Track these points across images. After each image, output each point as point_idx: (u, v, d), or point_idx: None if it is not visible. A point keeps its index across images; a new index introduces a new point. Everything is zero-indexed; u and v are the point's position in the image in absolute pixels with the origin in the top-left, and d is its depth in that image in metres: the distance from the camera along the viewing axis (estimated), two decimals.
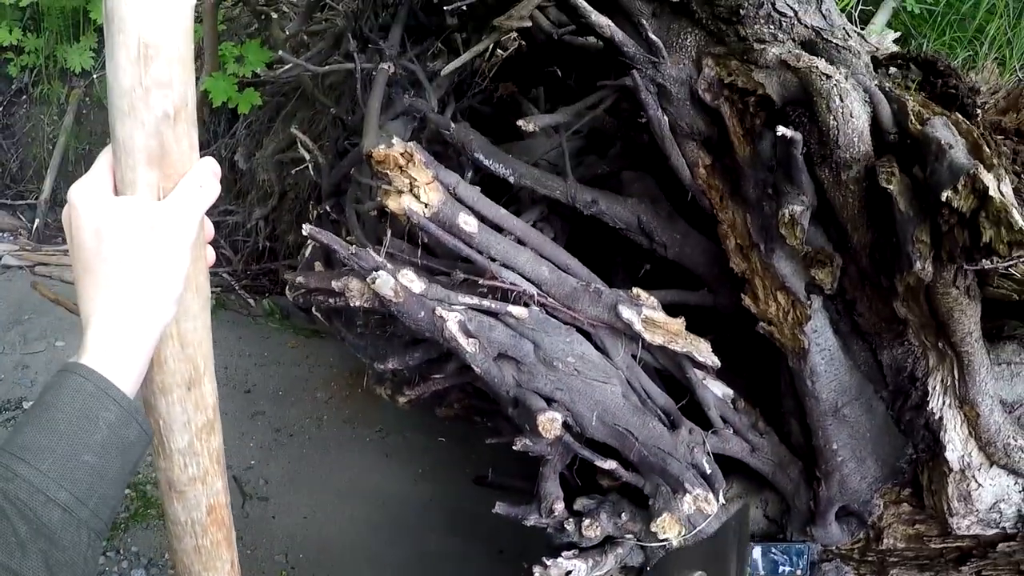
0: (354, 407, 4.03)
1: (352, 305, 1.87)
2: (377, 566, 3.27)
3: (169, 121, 0.84)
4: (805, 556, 2.28)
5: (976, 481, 1.94)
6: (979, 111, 1.79)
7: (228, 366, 4.28)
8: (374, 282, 1.73)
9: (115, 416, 0.83)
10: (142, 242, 0.85)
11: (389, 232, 2.08)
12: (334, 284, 1.89)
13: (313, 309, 2.64)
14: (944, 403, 1.90)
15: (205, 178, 0.90)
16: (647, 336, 1.91)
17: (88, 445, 0.81)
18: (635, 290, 1.95)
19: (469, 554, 3.34)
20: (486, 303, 1.83)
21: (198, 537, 1.12)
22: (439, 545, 3.39)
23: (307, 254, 2.70)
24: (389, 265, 1.79)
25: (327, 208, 2.90)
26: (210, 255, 1.01)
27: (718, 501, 1.98)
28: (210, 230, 0.99)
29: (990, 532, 2.04)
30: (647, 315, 1.90)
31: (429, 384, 2.22)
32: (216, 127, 5.42)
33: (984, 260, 1.51)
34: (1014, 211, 1.44)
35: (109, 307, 0.85)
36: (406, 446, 3.84)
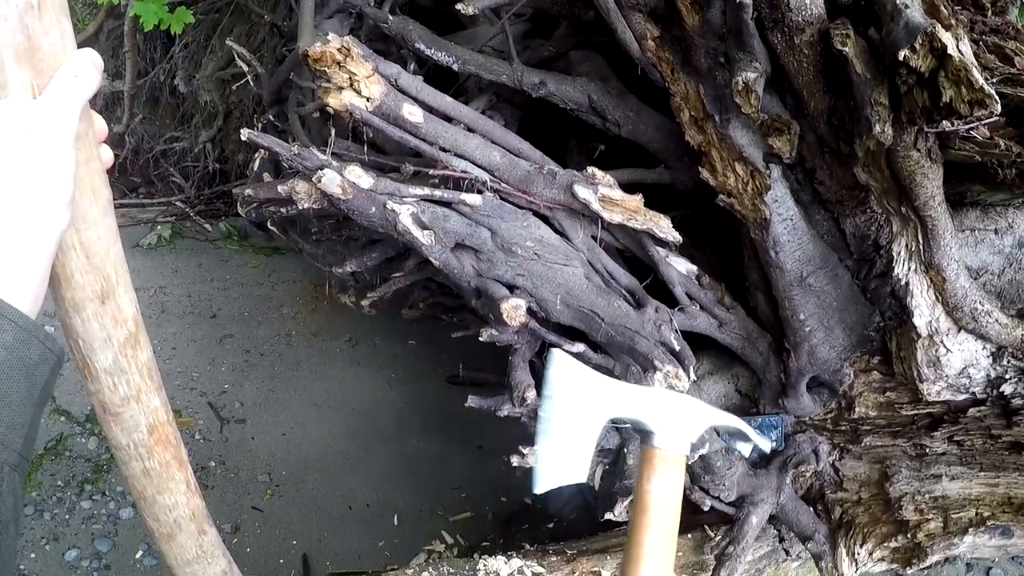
0: (321, 320, 4.02)
1: (301, 208, 1.81)
2: (359, 473, 3.31)
3: (34, 11, 0.77)
4: (779, 428, 2.31)
5: (944, 346, 1.95)
6: None
7: (191, 294, 4.22)
8: (320, 181, 1.68)
9: (12, 337, 0.76)
10: (19, 146, 0.78)
11: (333, 132, 2.02)
12: (280, 189, 1.83)
13: (268, 223, 2.58)
14: (910, 268, 1.89)
15: (81, 68, 0.83)
16: (605, 215, 1.87)
17: None
18: (590, 169, 1.91)
19: (448, 453, 3.38)
20: (438, 193, 1.78)
21: (144, 459, 1.07)
22: (418, 447, 3.43)
23: (255, 167, 2.63)
24: (335, 163, 1.72)
25: (270, 117, 2.81)
26: (107, 155, 0.94)
27: (689, 377, 1.98)
28: (102, 127, 0.92)
29: (960, 398, 2.07)
30: (604, 193, 1.86)
31: (391, 284, 2.18)
32: (152, 53, 5.23)
33: (945, 121, 1.48)
34: (974, 70, 1.41)
35: None
36: (376, 353, 3.85)
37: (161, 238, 4.74)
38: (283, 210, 2.10)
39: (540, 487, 1.01)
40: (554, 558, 2.08)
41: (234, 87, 4.19)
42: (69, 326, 0.93)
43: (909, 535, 2.02)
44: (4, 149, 0.78)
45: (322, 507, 3.16)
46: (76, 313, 0.92)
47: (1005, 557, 3.23)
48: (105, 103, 5.68)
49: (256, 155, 2.64)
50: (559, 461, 1.02)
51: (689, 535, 2.29)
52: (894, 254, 1.91)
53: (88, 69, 0.84)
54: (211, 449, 3.38)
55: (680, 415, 1.06)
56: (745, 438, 1.15)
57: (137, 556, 2.89)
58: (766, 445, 1.18)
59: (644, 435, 1.05)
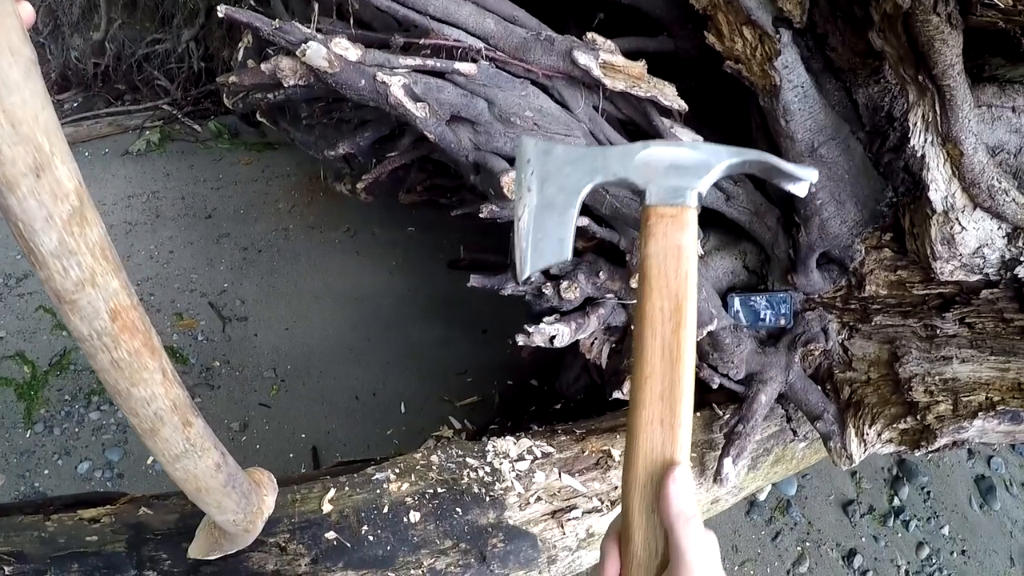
0: (318, 212, 3.97)
1: (287, 88, 1.72)
2: (363, 363, 3.31)
3: None
4: (787, 304, 2.27)
5: (959, 224, 1.89)
6: None
7: (185, 196, 4.16)
8: (304, 54, 1.59)
9: None
10: None
11: (316, 6, 1.91)
12: (264, 68, 1.74)
13: (257, 114, 2.50)
14: (926, 140, 1.82)
15: None
16: (607, 82, 1.78)
17: None
18: (590, 35, 1.81)
19: (452, 338, 3.38)
20: (431, 63, 1.69)
21: (110, 350, 0.98)
22: (422, 334, 3.43)
23: (239, 56, 2.52)
24: (319, 36, 1.63)
25: (251, 2, 2.69)
26: (26, 11, 0.83)
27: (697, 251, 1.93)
28: None
29: (973, 278, 2.02)
30: (605, 59, 1.77)
31: (385, 164, 2.11)
32: None
33: None
34: None
35: None
36: (376, 242, 3.81)
37: (150, 143, 4.65)
38: (270, 95, 2.01)
39: (523, 272, 0.94)
40: (563, 438, 2.07)
41: None
42: (6, 208, 0.84)
43: (918, 416, 2.00)
44: None
45: (328, 399, 3.17)
46: (10, 192, 0.82)
47: (1007, 445, 3.27)
48: (81, 11, 5.50)
49: (239, 45, 2.53)
50: (539, 241, 0.93)
51: (698, 413, 2.28)
52: (909, 125, 1.83)
53: None
54: (215, 349, 3.38)
55: (678, 163, 0.94)
56: (781, 174, 0.99)
57: (148, 462, 2.93)
58: (812, 175, 1.01)
59: (639, 195, 0.94)
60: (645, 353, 0.88)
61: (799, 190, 0.99)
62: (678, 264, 0.89)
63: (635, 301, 1.09)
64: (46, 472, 2.94)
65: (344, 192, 2.47)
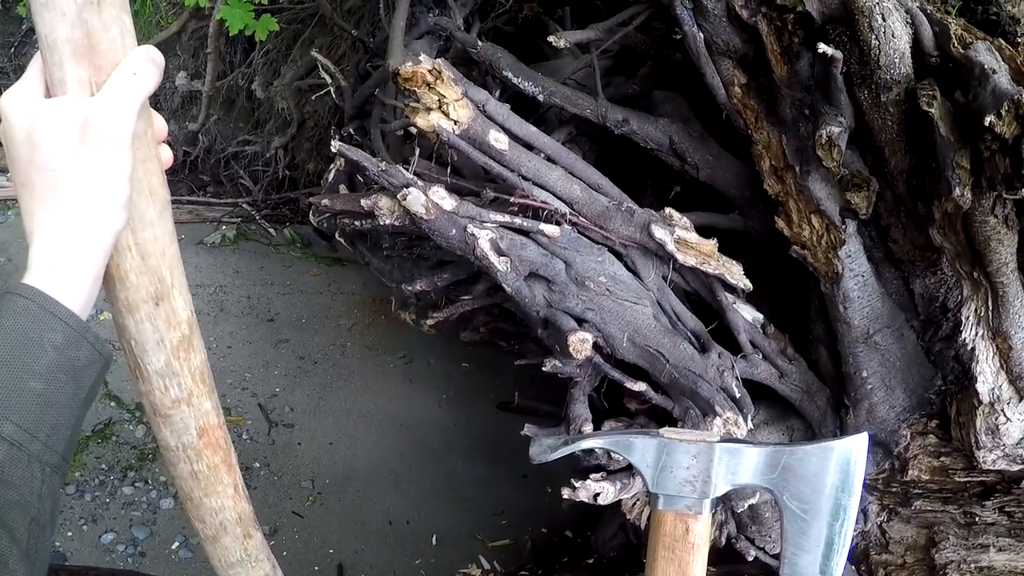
0: (377, 334, 4.05)
1: (382, 224, 1.84)
2: (402, 490, 3.32)
3: (93, 6, 0.75)
4: None
5: (1005, 415, 1.91)
6: (1019, 41, 1.74)
7: (251, 295, 4.29)
8: (405, 199, 1.70)
9: (62, 337, 0.76)
10: (75, 144, 0.77)
11: (417, 152, 2.05)
12: (363, 203, 1.86)
13: (337, 234, 2.62)
14: (977, 334, 1.86)
15: (140, 65, 0.80)
16: (679, 257, 1.87)
17: (33, 371, 0.73)
18: (667, 210, 1.91)
19: (493, 478, 3.38)
20: (518, 221, 1.80)
21: (192, 462, 1.05)
22: (463, 470, 3.43)
23: (330, 178, 2.67)
24: (420, 182, 1.75)
25: (350, 131, 2.87)
26: (166, 155, 0.92)
27: (747, 425, 1.96)
28: (161, 127, 0.90)
29: (1015, 468, 2.02)
30: (680, 235, 1.87)
31: (457, 306, 2.20)
32: (232, 56, 5.37)
33: None
34: None
35: (50, 220, 0.77)
36: (430, 372, 3.87)
37: (225, 238, 4.83)
38: (358, 223, 2.13)
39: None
40: None
41: (312, 97, 4.26)
42: (122, 326, 0.92)
43: None
44: (61, 148, 0.77)
45: (362, 519, 3.17)
46: (130, 314, 0.91)
47: None
48: (182, 101, 5.84)
49: (332, 166, 2.68)
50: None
51: None
52: (962, 318, 1.88)
53: (147, 67, 0.81)
54: (257, 450, 3.42)
55: (691, 465, 0.98)
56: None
57: (173, 547, 2.92)
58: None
59: (651, 497, 0.99)
60: None
61: None
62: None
63: None
64: (69, 534, 2.95)
65: (407, 320, 2.55)
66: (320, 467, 3.37)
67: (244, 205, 5.28)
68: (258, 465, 3.36)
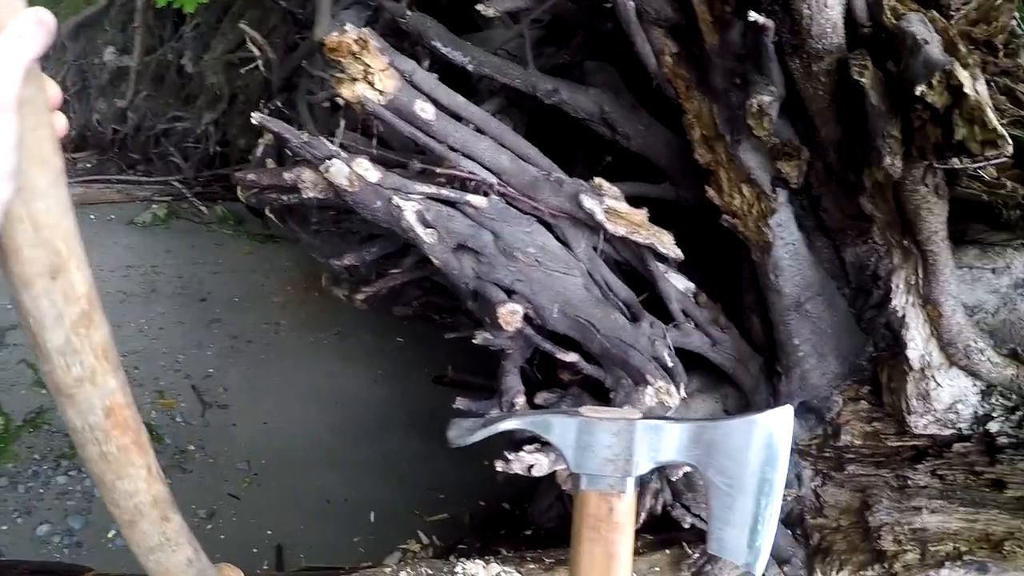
0: (311, 311, 4.01)
1: (305, 198, 1.80)
2: (339, 468, 3.29)
3: None
4: None
5: (935, 381, 1.95)
6: (952, 13, 1.75)
7: (183, 275, 4.21)
8: (328, 171, 1.67)
9: None
10: None
11: (343, 123, 2.01)
12: (286, 176, 1.82)
13: (266, 210, 2.56)
14: (907, 301, 1.89)
15: (26, 28, 0.76)
16: (609, 227, 1.87)
17: None
18: (597, 180, 1.90)
19: (429, 453, 3.36)
20: (444, 192, 1.77)
21: (101, 443, 1.01)
22: (400, 446, 3.42)
23: (259, 153, 2.62)
24: (343, 154, 1.72)
25: (278, 104, 2.81)
26: (61, 123, 0.87)
27: (679, 394, 1.97)
28: (55, 92, 0.85)
29: (946, 432, 2.06)
30: (610, 205, 1.86)
31: (387, 280, 2.17)
32: (161, 31, 5.24)
33: (955, 159, 1.48)
34: (989, 111, 1.41)
35: None
36: (364, 349, 3.85)
37: (156, 217, 4.73)
38: (285, 198, 2.08)
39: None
40: (532, 566, 2.06)
41: (241, 71, 4.17)
42: (19, 303, 0.88)
43: (886, 565, 2.01)
44: None
45: (299, 499, 3.13)
46: (25, 289, 0.86)
47: None
48: (111, 77, 5.66)
49: (260, 141, 2.63)
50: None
51: (667, 551, 2.27)
52: (893, 286, 1.91)
53: (33, 28, 0.77)
54: (191, 432, 3.36)
55: (612, 443, 0.97)
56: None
57: (109, 535, 2.85)
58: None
59: (573, 477, 0.98)
60: None
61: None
62: (611, 572, 0.94)
63: None
64: (4, 528, 2.86)
65: (340, 296, 2.52)
66: (256, 448, 3.32)
67: (175, 183, 5.17)
68: (193, 448, 3.29)
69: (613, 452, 0.97)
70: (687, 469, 2.08)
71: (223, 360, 3.72)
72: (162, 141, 5.47)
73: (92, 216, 4.63)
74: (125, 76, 5.40)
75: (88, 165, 5.72)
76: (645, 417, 1.03)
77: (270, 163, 2.33)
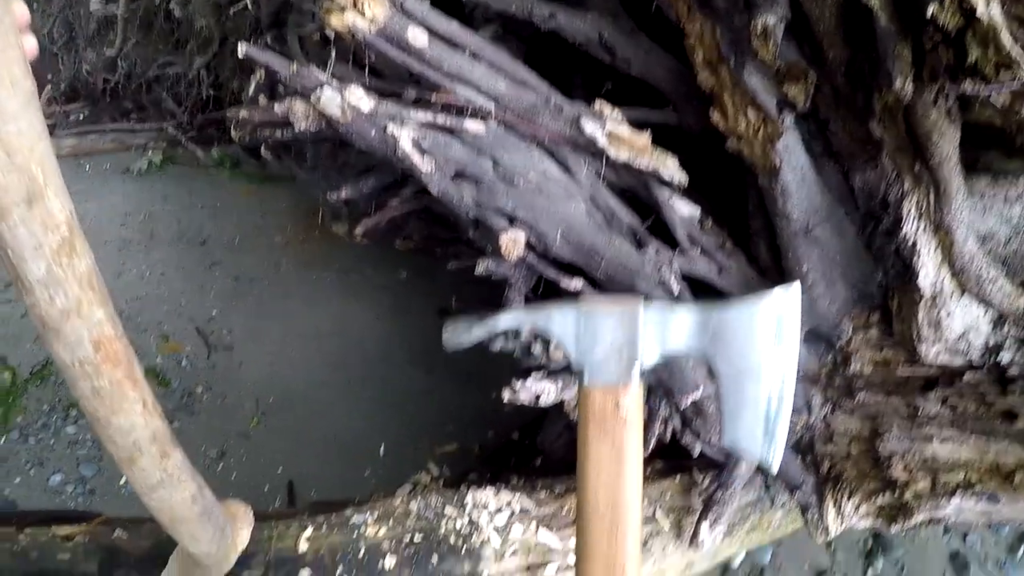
0: (312, 250, 4.00)
1: (297, 131, 1.76)
2: (346, 404, 3.31)
3: None
4: None
5: (947, 309, 1.92)
6: None
7: (181, 220, 4.19)
8: (319, 101, 1.63)
9: None
10: None
11: (333, 54, 1.96)
12: (277, 109, 1.78)
13: (262, 148, 2.53)
14: (918, 228, 1.86)
15: None
16: (612, 152, 1.83)
17: None
18: (598, 103, 1.86)
19: (436, 386, 3.39)
20: (441, 119, 1.73)
21: (92, 378, 0.99)
22: (405, 379, 3.44)
23: (251, 91, 2.57)
24: (334, 83, 1.67)
25: (268, 41, 2.75)
26: (31, 44, 0.85)
27: None
28: (22, 12, 0.83)
29: (957, 362, 2.05)
30: (611, 129, 1.82)
31: (385, 212, 2.14)
32: None
33: (968, 81, 1.44)
34: (1003, 32, 1.37)
35: None
36: (367, 284, 3.84)
37: (152, 164, 4.69)
38: (278, 133, 2.04)
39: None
40: (542, 494, 2.08)
41: (230, 12, 4.09)
42: None
43: (896, 493, 2.02)
44: None
45: (308, 436, 3.16)
46: (1, 220, 0.84)
47: (984, 524, 3.27)
48: (98, 26, 5.56)
49: (252, 79, 2.58)
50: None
51: (677, 478, 2.29)
52: (903, 212, 1.87)
53: None
54: (198, 375, 3.38)
55: (615, 332, 0.93)
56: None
57: (122, 482, 2.90)
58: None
59: (576, 374, 0.94)
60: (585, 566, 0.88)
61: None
62: (619, 470, 0.90)
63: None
64: (17, 480, 2.91)
65: (340, 233, 2.50)
66: (262, 387, 3.34)
67: (169, 129, 5.12)
68: (200, 390, 3.31)
69: (617, 341, 0.93)
70: (695, 397, 2.08)
71: (226, 302, 3.72)
72: (154, 87, 5.41)
73: (87, 167, 4.59)
74: (112, 24, 5.30)
75: (80, 116, 5.66)
76: (649, 303, 0.99)
77: (262, 99, 2.29)
